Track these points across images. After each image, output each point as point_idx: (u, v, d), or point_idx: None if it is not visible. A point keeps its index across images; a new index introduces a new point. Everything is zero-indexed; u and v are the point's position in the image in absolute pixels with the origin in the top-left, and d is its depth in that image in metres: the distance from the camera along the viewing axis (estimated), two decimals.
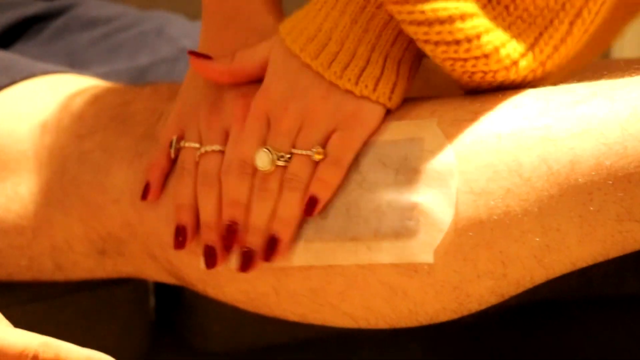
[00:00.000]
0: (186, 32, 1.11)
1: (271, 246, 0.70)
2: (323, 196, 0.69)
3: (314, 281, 0.72)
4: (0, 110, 0.84)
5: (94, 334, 0.93)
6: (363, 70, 0.68)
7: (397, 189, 0.69)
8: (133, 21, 1.12)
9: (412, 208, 0.68)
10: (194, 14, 1.20)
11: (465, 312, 0.71)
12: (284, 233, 0.69)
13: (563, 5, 0.72)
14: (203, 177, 0.74)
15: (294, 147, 0.69)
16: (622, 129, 0.66)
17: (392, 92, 0.69)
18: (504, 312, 0.75)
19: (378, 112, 0.69)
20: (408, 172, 0.69)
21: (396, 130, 0.71)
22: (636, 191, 0.66)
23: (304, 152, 0.69)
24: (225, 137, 0.75)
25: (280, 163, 0.69)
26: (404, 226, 0.68)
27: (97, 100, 0.84)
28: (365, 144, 0.71)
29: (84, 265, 0.82)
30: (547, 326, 1.12)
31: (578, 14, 0.73)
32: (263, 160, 0.69)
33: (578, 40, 0.73)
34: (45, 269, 0.83)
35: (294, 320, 0.76)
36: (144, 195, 0.76)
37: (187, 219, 0.74)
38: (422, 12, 0.65)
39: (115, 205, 0.78)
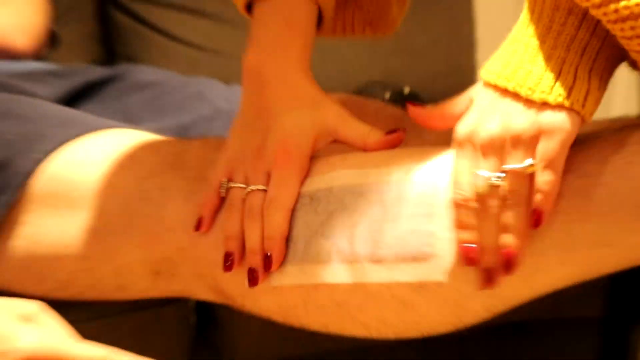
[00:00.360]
0: (222, 95, 1.13)
1: (507, 266, 0.65)
2: (547, 207, 0.65)
3: (339, 296, 0.73)
4: (72, 156, 0.84)
5: (144, 349, 0.91)
6: (555, 81, 0.65)
7: (416, 220, 0.70)
8: (177, 85, 1.15)
9: (429, 236, 0.69)
10: (228, 79, 1.24)
11: (461, 326, 0.72)
12: (516, 247, 0.65)
13: None
14: (249, 212, 0.75)
15: (503, 164, 0.65)
16: None
17: (585, 99, 0.65)
18: (486, 329, 0.75)
19: (573, 118, 0.65)
20: (425, 207, 0.70)
21: (413, 172, 0.72)
22: (604, 220, 0.66)
23: (516, 167, 0.64)
24: (267, 178, 0.75)
25: (497, 182, 0.65)
26: (421, 251, 0.69)
27: (154, 148, 0.85)
28: (388, 183, 0.72)
29: (140, 285, 0.83)
30: (520, 344, 1.09)
31: None
32: (480, 182, 0.65)
33: None
34: (107, 289, 0.84)
35: (316, 330, 0.76)
36: (197, 227, 0.77)
37: (234, 247, 0.75)
38: (627, 7, 0.61)
39: (170, 234, 0.79)
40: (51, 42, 1.31)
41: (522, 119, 0.64)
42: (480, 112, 0.67)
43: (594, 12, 0.63)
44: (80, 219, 0.83)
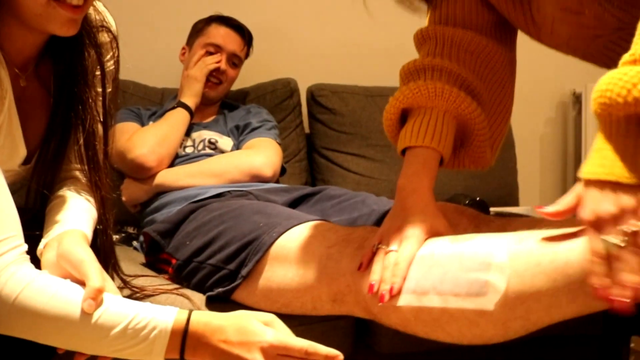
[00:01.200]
0: (375, 202, 1.12)
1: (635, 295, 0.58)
2: None
3: (435, 314, 0.72)
4: (292, 235, 0.86)
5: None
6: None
7: (478, 273, 0.69)
8: (350, 197, 1.16)
9: (485, 282, 0.68)
10: (378, 193, 1.26)
11: (507, 339, 0.70)
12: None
13: None
14: (387, 261, 0.74)
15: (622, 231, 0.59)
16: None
17: None
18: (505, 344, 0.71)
19: None
20: (485, 265, 0.69)
21: (479, 245, 0.71)
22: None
23: (633, 229, 0.59)
24: (399, 245, 0.74)
25: (621, 244, 0.58)
26: (480, 291, 0.68)
27: (336, 230, 0.86)
28: (462, 252, 0.70)
29: (326, 308, 0.83)
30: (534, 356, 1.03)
31: None
32: (610, 244, 0.59)
33: None
34: (307, 309, 0.85)
35: (421, 336, 0.74)
36: (359, 268, 0.77)
37: (375, 280, 0.74)
38: None
39: (343, 277, 0.79)
40: (282, 172, 1.38)
41: (627, 198, 0.59)
42: (594, 200, 0.61)
43: None
44: (295, 269, 0.83)
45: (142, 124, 1.39)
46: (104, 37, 0.83)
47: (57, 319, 0.65)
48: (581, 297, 0.65)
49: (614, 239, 0.59)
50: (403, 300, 0.73)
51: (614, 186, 0.59)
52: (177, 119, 1.32)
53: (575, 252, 0.65)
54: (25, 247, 0.68)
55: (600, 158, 0.61)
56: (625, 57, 0.60)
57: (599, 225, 0.60)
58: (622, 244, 0.59)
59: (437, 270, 0.71)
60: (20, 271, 0.66)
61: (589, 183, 0.61)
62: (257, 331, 0.69)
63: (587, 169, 0.62)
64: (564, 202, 0.65)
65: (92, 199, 0.84)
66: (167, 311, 0.69)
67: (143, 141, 1.25)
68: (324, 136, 1.67)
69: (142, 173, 1.25)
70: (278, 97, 1.66)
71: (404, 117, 0.87)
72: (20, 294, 0.65)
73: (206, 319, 0.70)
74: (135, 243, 1.30)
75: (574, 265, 0.65)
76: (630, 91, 0.58)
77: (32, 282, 0.66)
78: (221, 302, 0.91)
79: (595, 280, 0.60)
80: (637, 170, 0.59)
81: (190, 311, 0.70)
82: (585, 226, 0.62)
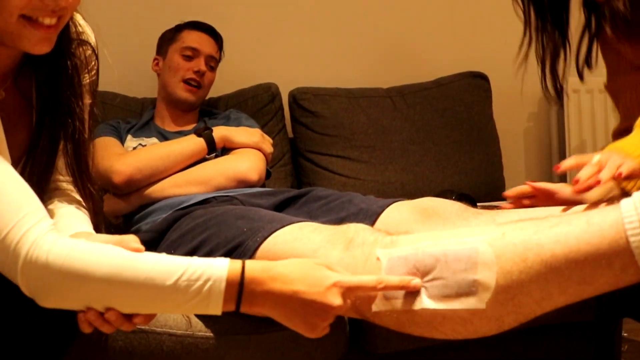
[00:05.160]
0: (364, 200, 1.11)
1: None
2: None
3: (428, 316, 0.72)
4: (276, 239, 0.86)
5: (320, 344, 0.92)
6: None
7: (466, 272, 0.70)
8: (338, 196, 1.16)
9: (474, 282, 0.69)
10: (366, 192, 1.25)
11: (502, 331, 0.71)
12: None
13: None
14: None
15: None
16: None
17: None
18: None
19: None
20: (472, 264, 0.70)
21: (464, 243, 0.72)
22: (585, 270, 0.66)
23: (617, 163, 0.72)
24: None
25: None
26: (471, 290, 0.69)
27: (321, 230, 0.87)
28: (446, 250, 0.71)
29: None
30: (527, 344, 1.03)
31: None
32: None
33: None
34: None
35: (416, 335, 0.75)
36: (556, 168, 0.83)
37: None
38: None
39: None
40: (267, 176, 1.38)
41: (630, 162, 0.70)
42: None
43: None
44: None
45: (121, 139, 1.38)
46: (84, 50, 0.83)
47: (109, 278, 0.63)
48: (572, 288, 0.66)
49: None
50: (394, 305, 0.73)
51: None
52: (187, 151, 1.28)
53: (561, 244, 0.66)
54: (51, 220, 0.68)
55: (637, 140, 0.72)
56: None
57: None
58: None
59: (423, 271, 0.72)
60: (60, 238, 0.65)
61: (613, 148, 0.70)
62: (326, 275, 0.67)
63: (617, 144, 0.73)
64: (586, 171, 0.72)
65: (84, 210, 0.83)
66: (219, 262, 0.67)
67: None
68: (307, 139, 1.67)
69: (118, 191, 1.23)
70: (260, 102, 1.66)
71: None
72: (67, 258, 0.64)
73: (263, 266, 0.68)
74: None
75: (560, 257, 0.65)
76: None
77: (75, 246, 0.65)
78: None
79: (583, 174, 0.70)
80: None
81: (244, 261, 0.68)
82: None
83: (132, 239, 0.70)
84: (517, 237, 0.69)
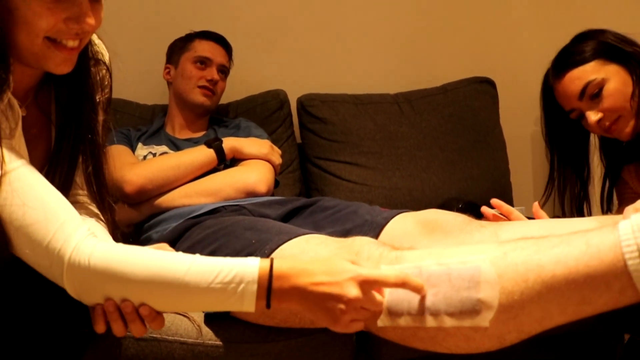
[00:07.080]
0: (369, 212, 1.12)
1: None
2: None
3: (431, 332, 0.73)
4: (288, 252, 0.87)
5: (328, 352, 0.92)
6: None
7: (469, 291, 0.70)
8: (344, 207, 1.16)
9: (478, 301, 0.70)
10: (372, 202, 1.28)
11: (503, 347, 0.72)
12: None
13: None
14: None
15: None
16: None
17: None
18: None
19: None
20: (475, 283, 0.70)
21: (468, 261, 0.72)
22: (584, 291, 0.66)
23: None
24: None
25: None
26: (474, 310, 0.70)
27: (328, 243, 0.88)
28: (450, 269, 0.71)
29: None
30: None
31: None
32: None
33: None
34: (306, 323, 0.86)
35: (421, 349, 0.76)
36: None
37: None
38: None
39: None
40: (276, 185, 1.39)
41: None
42: None
43: None
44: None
45: (132, 146, 1.40)
46: (99, 70, 0.86)
47: (149, 280, 0.66)
48: (571, 308, 0.67)
49: None
50: (400, 322, 0.74)
51: None
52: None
53: (561, 265, 0.66)
54: (87, 225, 0.71)
55: None
56: None
57: None
58: None
59: (427, 290, 0.72)
60: (99, 242, 0.68)
61: None
62: (347, 268, 0.69)
63: None
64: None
65: (103, 223, 0.86)
66: (250, 262, 0.69)
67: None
68: (315, 146, 1.68)
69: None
70: (268, 109, 1.66)
71: None
72: (108, 260, 0.67)
73: (289, 263, 0.70)
74: None
75: (560, 278, 0.66)
76: None
77: (114, 249, 0.68)
78: (220, 320, 0.91)
79: None
80: None
81: (272, 259, 0.70)
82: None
83: (165, 247, 0.75)
84: (519, 257, 0.70)
